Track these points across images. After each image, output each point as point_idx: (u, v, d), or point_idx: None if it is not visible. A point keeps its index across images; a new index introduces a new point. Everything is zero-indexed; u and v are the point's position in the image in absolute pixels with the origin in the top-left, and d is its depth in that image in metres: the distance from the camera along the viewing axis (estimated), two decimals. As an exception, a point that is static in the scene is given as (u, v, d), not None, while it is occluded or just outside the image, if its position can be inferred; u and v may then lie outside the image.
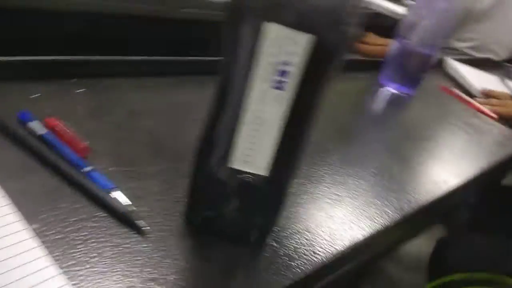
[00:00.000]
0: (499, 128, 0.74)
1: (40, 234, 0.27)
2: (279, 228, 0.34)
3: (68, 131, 0.36)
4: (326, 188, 0.42)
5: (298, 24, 0.23)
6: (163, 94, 0.51)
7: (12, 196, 0.29)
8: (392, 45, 0.77)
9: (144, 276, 0.26)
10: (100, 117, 0.41)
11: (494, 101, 0.81)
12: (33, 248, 0.25)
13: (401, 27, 0.75)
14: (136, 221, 0.29)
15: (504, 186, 1.47)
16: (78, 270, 0.25)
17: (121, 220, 0.30)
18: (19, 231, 0.26)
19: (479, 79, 0.93)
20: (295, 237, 0.34)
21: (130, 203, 0.31)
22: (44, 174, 0.32)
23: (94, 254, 0.26)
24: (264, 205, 0.31)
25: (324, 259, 0.33)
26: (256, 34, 0.24)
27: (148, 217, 0.31)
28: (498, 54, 1.39)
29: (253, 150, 0.27)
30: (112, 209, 0.30)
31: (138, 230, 0.29)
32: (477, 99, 0.84)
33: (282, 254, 0.32)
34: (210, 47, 0.62)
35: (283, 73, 0.25)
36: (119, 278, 0.25)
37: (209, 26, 0.53)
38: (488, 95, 0.84)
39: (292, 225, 0.35)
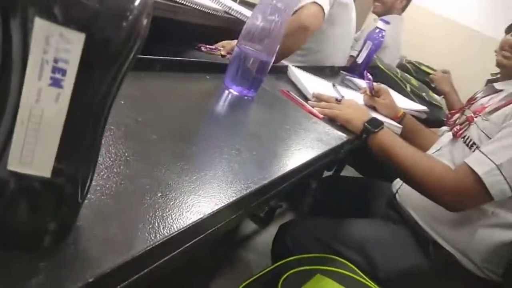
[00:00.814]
0: (323, 127, 0.85)
1: None
2: (80, 229, 0.33)
3: None
4: (147, 186, 0.42)
5: (69, 21, 0.23)
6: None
7: None
8: (234, 50, 0.82)
9: None
10: None
11: (322, 104, 0.93)
12: None
13: (242, 32, 0.81)
14: None
15: (341, 176, 1.70)
16: None
17: None
18: None
19: (313, 85, 1.06)
20: (99, 236, 0.34)
21: None
22: None
23: None
24: (52, 207, 0.30)
25: (131, 256, 0.33)
26: (26, 30, 0.23)
27: None
28: (336, 61, 1.60)
29: (32, 151, 0.26)
30: None
31: None
32: (309, 101, 0.95)
33: (84, 255, 0.31)
34: None
35: (59, 70, 0.24)
36: None
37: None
38: (318, 98, 0.96)
39: (98, 224, 0.35)
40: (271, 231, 1.70)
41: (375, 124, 0.88)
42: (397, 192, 1.04)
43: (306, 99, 0.99)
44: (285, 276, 0.77)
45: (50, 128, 0.26)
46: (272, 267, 0.83)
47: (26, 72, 0.24)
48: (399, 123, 1.09)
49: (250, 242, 1.63)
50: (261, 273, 0.82)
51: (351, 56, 1.78)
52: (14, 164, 0.26)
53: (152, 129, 0.54)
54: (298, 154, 0.67)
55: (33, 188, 0.27)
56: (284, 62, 1.32)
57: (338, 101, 0.96)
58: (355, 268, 0.82)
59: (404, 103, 1.35)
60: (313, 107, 0.92)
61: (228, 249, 1.53)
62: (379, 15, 1.99)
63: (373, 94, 1.12)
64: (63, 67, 0.23)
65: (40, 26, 0.22)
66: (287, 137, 0.73)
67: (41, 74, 0.24)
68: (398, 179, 1.07)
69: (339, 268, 0.82)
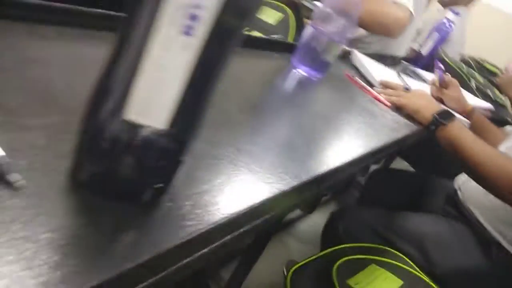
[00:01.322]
0: (392, 115, 0.82)
1: None
2: (175, 188, 0.33)
3: None
4: (230, 154, 0.42)
5: None
6: (63, 46, 0.47)
7: None
8: (305, 31, 0.80)
9: (12, 234, 0.24)
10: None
11: (389, 91, 0.90)
12: None
13: (315, 15, 0.79)
14: (6, 175, 0.26)
15: (390, 169, 1.65)
16: None
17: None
18: None
19: (379, 72, 1.02)
20: (191, 198, 0.34)
21: (4, 154, 0.28)
22: None
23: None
24: (161, 162, 0.30)
25: (222, 220, 0.33)
26: None
27: (25, 171, 0.28)
28: (398, 52, 1.53)
29: (152, 101, 0.26)
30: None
31: (8, 183, 0.26)
32: (375, 88, 0.92)
33: (177, 214, 0.31)
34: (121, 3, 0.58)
35: (193, 17, 0.23)
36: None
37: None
38: (385, 85, 0.92)
39: (190, 186, 0.35)
40: (314, 218, 1.68)
41: (446, 116, 0.84)
42: (459, 188, 0.99)
43: (370, 85, 0.95)
44: (338, 263, 0.76)
45: (172, 79, 0.25)
46: (323, 253, 0.82)
47: (161, 16, 0.23)
48: (466, 118, 1.04)
49: (292, 228, 1.62)
50: (311, 258, 0.82)
51: (412, 48, 1.70)
52: (132, 113, 0.26)
53: (230, 100, 0.54)
54: (363, 141, 0.65)
55: (145, 140, 0.27)
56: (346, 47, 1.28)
57: (406, 90, 0.92)
58: (411, 262, 0.80)
59: (469, 99, 1.28)
60: (379, 93, 0.89)
61: (271, 233, 1.53)
62: (445, 5, 1.88)
63: (442, 85, 1.06)
64: (199, 14, 0.23)
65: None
66: (353, 122, 0.70)
67: (176, 20, 0.23)
68: (460, 175, 1.02)
69: (394, 260, 0.80)
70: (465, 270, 0.83)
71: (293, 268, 0.78)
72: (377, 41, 1.48)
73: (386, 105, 0.85)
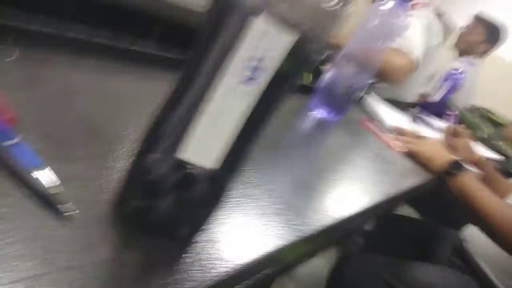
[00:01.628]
0: (403, 161, 0.83)
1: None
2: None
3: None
4: (254, 193, 0.43)
5: (285, 21, 0.24)
6: (105, 78, 0.49)
7: None
8: (326, 74, 0.83)
9: (59, 263, 0.24)
10: (32, 89, 0.38)
11: (403, 138, 0.91)
12: None
13: (337, 57, 0.82)
14: (58, 205, 0.27)
15: (396, 215, 1.64)
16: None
17: (43, 202, 0.28)
18: None
19: (390, 117, 1.04)
20: (215, 238, 0.34)
21: (59, 183, 0.29)
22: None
23: (5, 236, 0.24)
24: (202, 200, 0.31)
25: (240, 267, 0.33)
26: (241, 27, 0.24)
27: (73, 201, 0.28)
28: (406, 98, 1.57)
29: (207, 143, 0.27)
30: (32, 188, 0.28)
31: (58, 213, 0.27)
32: (388, 134, 0.94)
33: (200, 254, 0.31)
34: (162, 42, 0.61)
35: (255, 69, 0.25)
36: (31, 265, 0.23)
37: (166, 20, 0.52)
38: (399, 132, 0.94)
39: (214, 226, 0.35)
40: (315, 262, 1.65)
41: (458, 166, 0.85)
42: (465, 239, 0.99)
43: (383, 130, 0.97)
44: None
45: (227, 123, 0.27)
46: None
47: (226, 68, 0.25)
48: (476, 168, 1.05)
49: (293, 271, 1.59)
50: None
51: (422, 94, 1.74)
52: (186, 153, 0.28)
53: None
54: (378, 187, 0.65)
55: (193, 179, 0.28)
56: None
57: (419, 137, 0.93)
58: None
59: (478, 150, 1.30)
60: (393, 139, 0.90)
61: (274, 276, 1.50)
62: (461, 53, 1.94)
63: (454, 135, 1.09)
64: (262, 66, 0.24)
65: (258, 24, 0.23)
66: (368, 167, 0.71)
67: (239, 71, 0.25)
68: (467, 226, 1.02)
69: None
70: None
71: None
72: (384, 86, 1.51)
73: (398, 151, 0.86)
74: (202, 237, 0.33)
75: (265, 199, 0.43)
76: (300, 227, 0.41)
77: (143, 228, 0.30)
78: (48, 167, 0.30)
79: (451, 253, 1.02)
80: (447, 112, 1.11)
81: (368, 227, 1.30)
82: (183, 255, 0.30)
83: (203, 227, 0.33)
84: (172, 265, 0.29)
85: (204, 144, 0.27)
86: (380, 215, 1.03)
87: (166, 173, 0.28)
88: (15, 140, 0.30)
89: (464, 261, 0.95)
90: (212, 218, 0.34)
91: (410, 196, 0.77)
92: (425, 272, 0.92)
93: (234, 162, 0.30)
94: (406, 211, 1.71)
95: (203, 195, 0.30)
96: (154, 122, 0.29)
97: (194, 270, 0.30)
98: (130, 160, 0.31)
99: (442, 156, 0.86)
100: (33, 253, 0.24)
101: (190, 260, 0.30)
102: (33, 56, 0.43)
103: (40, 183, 0.28)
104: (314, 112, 0.83)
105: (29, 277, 0.22)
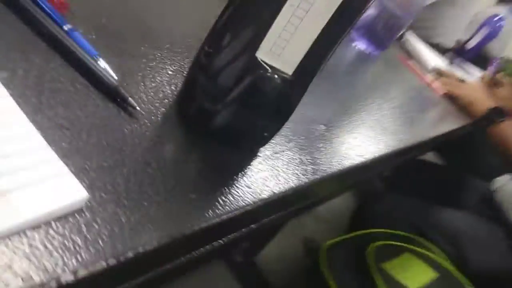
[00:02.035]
0: (442, 103, 0.79)
1: (8, 84, 0.21)
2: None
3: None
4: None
5: None
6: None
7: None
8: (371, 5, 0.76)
9: (131, 157, 0.22)
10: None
11: (444, 79, 0.86)
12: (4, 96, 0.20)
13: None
14: (124, 98, 0.25)
15: (419, 160, 1.62)
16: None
17: (107, 94, 0.25)
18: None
19: (431, 59, 0.98)
20: (276, 156, 0.31)
21: (116, 78, 0.26)
22: (11, 19, 0.25)
23: (77, 124, 0.22)
24: (273, 109, 0.28)
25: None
26: None
27: (135, 97, 0.26)
28: (446, 41, 1.48)
29: (287, 44, 0.24)
30: (99, 79, 0.25)
31: (127, 108, 0.25)
32: (429, 75, 0.88)
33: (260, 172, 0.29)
34: None
35: None
36: (103, 157, 0.21)
37: None
38: (440, 73, 0.89)
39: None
40: (334, 201, 1.67)
41: (500, 113, 0.81)
42: (497, 190, 0.97)
43: (423, 70, 0.92)
44: (372, 246, 0.74)
45: (312, 25, 0.23)
46: (355, 234, 0.81)
47: None
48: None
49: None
50: (344, 237, 0.81)
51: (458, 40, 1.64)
52: (264, 53, 0.24)
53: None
54: (419, 129, 0.61)
55: (271, 82, 0.25)
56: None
57: (461, 80, 0.88)
58: (445, 256, 0.78)
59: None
60: (433, 80, 0.85)
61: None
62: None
63: (493, 83, 1.02)
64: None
65: None
66: (405, 107, 0.66)
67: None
68: (499, 178, 1.00)
69: (428, 251, 0.79)
70: (499, 273, 0.81)
71: (326, 246, 0.77)
72: (423, 28, 1.42)
73: (438, 93, 0.82)
74: (265, 152, 0.30)
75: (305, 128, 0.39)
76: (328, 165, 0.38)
77: (208, 132, 0.27)
78: (103, 59, 0.26)
79: (479, 202, 1.01)
80: (491, 60, 1.03)
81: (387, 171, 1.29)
82: (246, 166, 0.28)
83: (268, 140, 0.30)
84: (235, 172, 0.27)
85: (283, 45, 0.24)
86: (411, 157, 0.99)
87: (241, 73, 0.25)
88: (69, 26, 0.26)
89: (494, 211, 0.94)
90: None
91: (440, 142, 0.74)
92: (453, 217, 0.91)
93: (311, 72, 0.26)
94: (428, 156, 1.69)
95: (273, 105, 0.27)
96: (225, 16, 0.25)
97: (252, 183, 0.27)
98: (192, 60, 0.28)
99: (483, 102, 0.82)
100: (103, 144, 0.21)
101: (251, 172, 0.28)
102: None
103: (109, 75, 0.25)
104: (355, 43, 0.78)
105: (100, 168, 0.20)
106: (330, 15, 0.23)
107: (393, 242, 0.77)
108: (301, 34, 0.23)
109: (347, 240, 0.78)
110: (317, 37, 0.24)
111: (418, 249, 0.77)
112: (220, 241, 0.26)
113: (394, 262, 0.73)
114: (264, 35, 0.23)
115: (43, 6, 0.26)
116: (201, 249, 0.25)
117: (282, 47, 0.24)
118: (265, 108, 0.27)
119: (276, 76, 0.24)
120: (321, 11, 0.23)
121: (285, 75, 0.24)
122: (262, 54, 0.24)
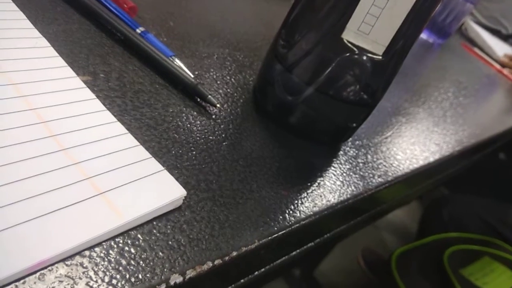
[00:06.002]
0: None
1: (92, 87, 0.20)
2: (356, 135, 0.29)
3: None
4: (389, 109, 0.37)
5: None
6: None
7: (53, 41, 0.22)
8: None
9: (219, 154, 0.21)
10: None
11: (515, 65, 0.79)
12: (90, 99, 0.19)
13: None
14: (209, 96, 0.23)
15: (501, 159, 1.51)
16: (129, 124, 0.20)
17: (186, 93, 0.24)
18: (69, 77, 0.20)
19: (497, 44, 0.91)
20: (369, 147, 0.29)
21: (193, 76, 0.25)
22: (87, 27, 0.25)
23: (163, 124, 0.21)
24: (361, 95, 0.25)
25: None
26: None
27: (212, 95, 0.25)
28: (507, 28, 1.37)
29: (376, 20, 0.22)
30: (179, 78, 0.24)
31: (206, 106, 0.24)
32: (498, 61, 0.82)
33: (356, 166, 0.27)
34: None
35: None
36: (190, 155, 0.20)
37: None
38: (510, 58, 0.82)
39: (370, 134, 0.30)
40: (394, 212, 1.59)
41: None
42: None
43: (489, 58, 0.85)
44: (449, 251, 0.69)
45: (402, 5, 0.21)
46: (430, 239, 0.76)
47: None
48: None
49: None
50: (415, 244, 0.75)
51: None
52: (350, 33, 0.22)
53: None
54: (498, 120, 0.56)
55: (360, 65, 0.23)
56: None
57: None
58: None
59: None
60: (503, 67, 0.78)
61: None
62: None
63: None
64: None
65: None
66: (479, 98, 0.61)
67: None
68: None
69: (509, 254, 0.72)
70: None
71: (397, 253, 0.72)
72: (488, 12, 1.32)
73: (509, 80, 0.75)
74: (349, 144, 0.28)
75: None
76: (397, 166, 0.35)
77: (288, 127, 0.26)
78: (179, 60, 0.26)
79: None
80: None
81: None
82: (331, 163, 0.26)
83: (354, 131, 0.28)
84: (320, 168, 0.25)
85: (372, 23, 0.21)
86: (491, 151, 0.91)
87: (317, 62, 0.23)
88: (142, 29, 0.26)
89: None
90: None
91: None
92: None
93: (402, 52, 0.24)
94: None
95: (363, 90, 0.25)
96: (303, 0, 0.24)
97: (338, 180, 0.25)
98: (266, 54, 0.27)
99: None
100: (189, 142, 0.20)
101: (338, 171, 0.26)
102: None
103: (187, 74, 0.24)
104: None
105: (191, 166, 0.19)
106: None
107: (470, 246, 0.71)
108: (392, 8, 0.21)
109: (419, 247, 0.73)
110: (409, 11, 0.21)
111: (498, 252, 0.70)
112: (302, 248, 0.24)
113: (472, 267, 0.67)
114: (351, 13, 0.21)
115: (117, 12, 0.26)
116: (292, 253, 0.23)
117: (371, 25, 0.22)
118: (353, 94, 0.25)
119: (365, 58, 0.22)
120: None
121: (375, 56, 0.22)
122: (349, 35, 0.22)
